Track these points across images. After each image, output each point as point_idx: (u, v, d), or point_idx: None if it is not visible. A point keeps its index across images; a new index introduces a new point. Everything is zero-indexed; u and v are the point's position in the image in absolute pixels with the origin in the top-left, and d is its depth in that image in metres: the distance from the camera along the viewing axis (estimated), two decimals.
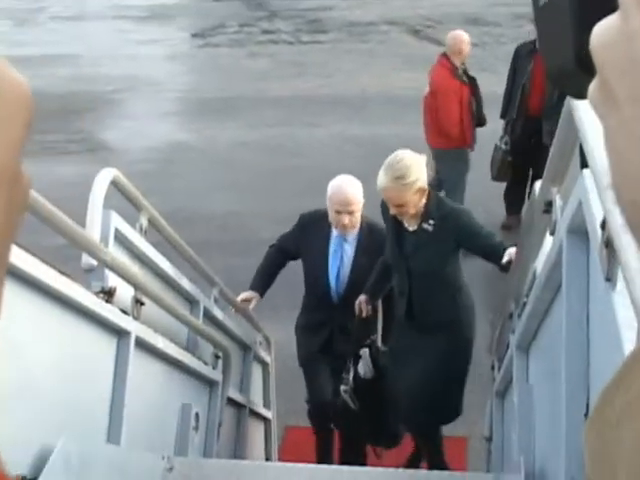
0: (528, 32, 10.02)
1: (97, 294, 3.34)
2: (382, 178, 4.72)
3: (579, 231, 2.12)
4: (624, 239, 1.44)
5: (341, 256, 5.55)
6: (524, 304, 3.41)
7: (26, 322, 2.72)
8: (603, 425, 0.53)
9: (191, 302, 4.81)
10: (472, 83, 8.60)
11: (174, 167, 11.63)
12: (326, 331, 5.66)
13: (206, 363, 4.84)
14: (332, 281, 5.57)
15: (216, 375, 4.99)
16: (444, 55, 8.54)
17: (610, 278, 1.66)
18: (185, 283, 4.60)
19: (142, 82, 15.21)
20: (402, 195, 4.72)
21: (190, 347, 4.70)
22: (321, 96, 13.99)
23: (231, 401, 5.45)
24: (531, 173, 8.97)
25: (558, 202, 2.47)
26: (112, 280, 3.47)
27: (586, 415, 2.08)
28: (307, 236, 5.57)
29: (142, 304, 3.67)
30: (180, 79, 15.66)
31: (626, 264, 1.40)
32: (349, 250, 5.54)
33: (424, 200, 4.85)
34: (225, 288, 5.42)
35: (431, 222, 4.89)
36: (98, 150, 12.27)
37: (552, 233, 2.53)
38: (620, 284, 1.62)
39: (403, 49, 16.09)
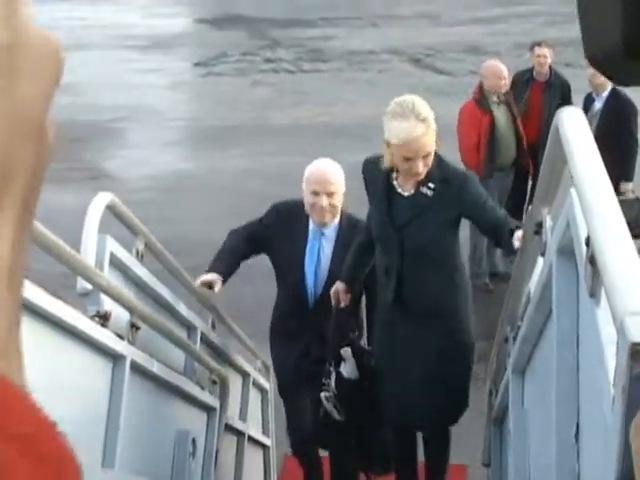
0: (526, 60, 10.08)
1: (92, 318, 3.34)
2: (405, 127, 3.95)
3: (568, 251, 2.12)
4: (606, 253, 1.44)
5: (318, 254, 4.88)
6: (519, 327, 3.41)
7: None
8: None
9: (188, 327, 4.80)
10: (513, 119, 8.51)
11: (175, 195, 11.67)
12: (301, 343, 4.98)
13: (203, 389, 4.82)
14: (309, 283, 4.90)
15: (213, 401, 4.97)
16: (480, 83, 8.55)
17: (594, 294, 1.66)
18: (182, 308, 4.60)
19: (144, 111, 15.29)
20: (430, 139, 4.00)
21: (187, 372, 4.69)
22: (322, 125, 14.06)
23: (229, 428, 5.42)
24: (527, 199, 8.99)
25: (548, 223, 2.48)
26: (108, 304, 3.47)
27: (576, 436, 2.08)
28: (280, 229, 4.88)
29: (138, 328, 3.66)
30: (182, 108, 15.75)
31: (607, 278, 1.41)
32: (327, 247, 4.87)
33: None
34: (222, 314, 5.40)
35: (431, 185, 4.14)
36: (99, 178, 12.30)
37: (543, 254, 2.53)
38: (604, 301, 1.62)
39: (404, 78, 16.17)
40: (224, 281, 4.81)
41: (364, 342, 4.96)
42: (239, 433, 5.83)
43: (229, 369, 5.48)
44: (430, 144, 4.02)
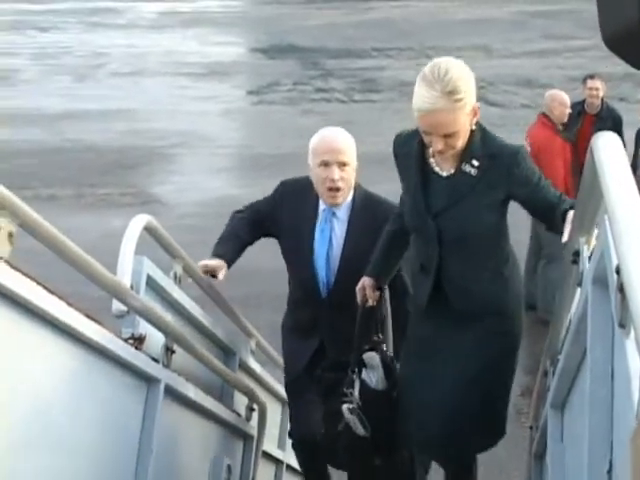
0: (579, 94, 10.01)
1: (126, 340, 3.32)
2: (426, 96, 3.34)
3: (602, 281, 2.05)
4: (635, 281, 1.39)
5: (330, 237, 4.30)
6: (558, 360, 3.33)
7: (54, 367, 2.69)
8: None
9: (226, 353, 4.77)
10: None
11: (224, 222, 11.67)
12: (314, 339, 4.41)
13: (240, 415, 4.78)
14: (320, 269, 4.31)
15: (251, 428, 4.92)
16: (543, 114, 8.47)
17: (624, 325, 1.60)
18: (220, 333, 4.57)
19: (196, 137, 15.41)
20: (456, 118, 3.36)
21: (224, 398, 4.65)
22: (372, 154, 14.02)
23: (267, 455, 5.37)
24: None
25: (585, 252, 2.41)
26: (143, 327, 3.45)
27: (609, 473, 2.00)
28: (288, 209, 4.37)
29: (173, 352, 3.63)
30: (233, 135, 15.84)
31: (634, 307, 1.35)
32: (339, 229, 4.29)
33: (473, 127, 3.48)
34: (262, 340, 5.37)
35: (475, 163, 3.51)
36: (151, 203, 12.40)
37: (579, 284, 2.46)
38: (633, 331, 1.56)
39: None
40: (229, 264, 4.36)
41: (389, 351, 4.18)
42: (277, 461, 5.77)
43: (268, 396, 5.44)
44: (455, 124, 3.39)
